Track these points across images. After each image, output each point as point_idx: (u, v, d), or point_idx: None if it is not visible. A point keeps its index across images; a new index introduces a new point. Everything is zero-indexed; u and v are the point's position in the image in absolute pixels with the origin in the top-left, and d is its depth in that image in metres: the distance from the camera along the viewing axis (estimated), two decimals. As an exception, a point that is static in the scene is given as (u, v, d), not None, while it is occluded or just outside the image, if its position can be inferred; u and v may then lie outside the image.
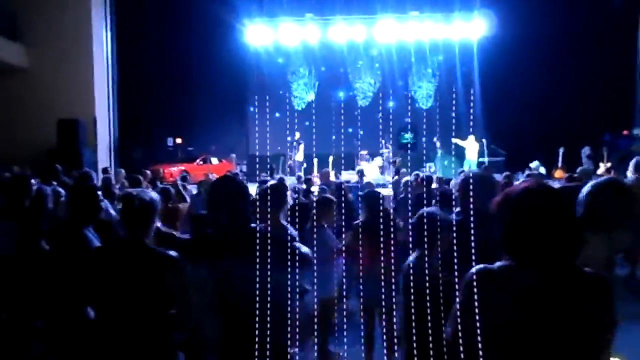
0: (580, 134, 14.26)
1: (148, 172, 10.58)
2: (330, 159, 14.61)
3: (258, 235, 2.15)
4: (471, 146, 13.89)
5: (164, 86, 18.16)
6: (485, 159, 13.40)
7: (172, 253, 2.35)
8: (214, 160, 18.01)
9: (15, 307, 3.65)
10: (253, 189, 4.58)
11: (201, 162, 17.37)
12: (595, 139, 14.14)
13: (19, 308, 3.62)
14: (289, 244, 2.33)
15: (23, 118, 12.65)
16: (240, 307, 2.13)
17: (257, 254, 2.11)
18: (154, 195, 2.60)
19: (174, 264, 2.32)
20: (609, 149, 13.27)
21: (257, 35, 17.87)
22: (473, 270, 1.61)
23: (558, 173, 10.54)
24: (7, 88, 12.87)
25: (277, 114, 18.56)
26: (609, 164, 10.47)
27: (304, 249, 2.46)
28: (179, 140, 21.00)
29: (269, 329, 2.08)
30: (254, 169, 16.02)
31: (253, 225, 2.32)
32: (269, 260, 2.09)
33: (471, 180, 2.98)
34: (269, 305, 2.06)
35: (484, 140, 13.36)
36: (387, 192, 9.51)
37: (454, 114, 13.47)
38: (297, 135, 15.39)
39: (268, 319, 2.06)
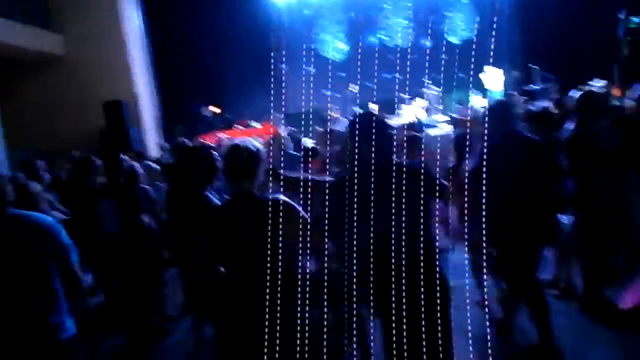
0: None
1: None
2: (375, 107, 14.40)
3: (406, 168, 2.18)
4: (490, 77, 13.40)
5: (195, 58, 18.14)
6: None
7: (281, 196, 2.38)
8: (256, 124, 18.05)
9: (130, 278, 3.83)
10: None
11: (242, 128, 17.43)
12: None
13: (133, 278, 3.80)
14: (433, 176, 2.39)
15: (67, 105, 12.96)
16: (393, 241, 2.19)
17: (408, 186, 2.16)
18: (259, 145, 2.63)
19: (291, 207, 2.36)
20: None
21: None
22: None
23: (615, 91, 10.09)
24: (46, 77, 13.15)
25: (309, 69, 18.31)
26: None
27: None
28: (216, 110, 21.08)
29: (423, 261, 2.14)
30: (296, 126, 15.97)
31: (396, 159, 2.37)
32: (417, 192, 2.14)
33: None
34: (422, 239, 2.11)
35: (532, 66, 12.78)
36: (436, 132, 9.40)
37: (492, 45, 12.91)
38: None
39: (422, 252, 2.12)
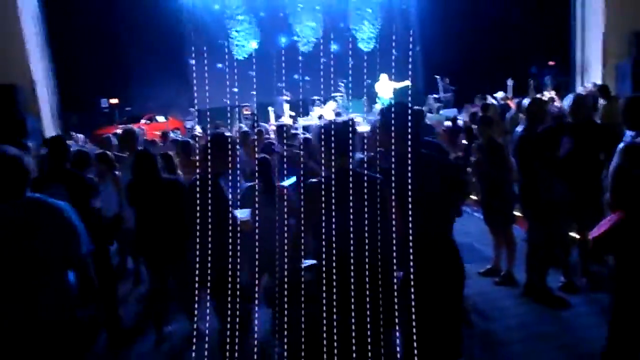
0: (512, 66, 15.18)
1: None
2: (286, 107, 14.60)
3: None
4: (384, 86, 14.33)
5: (94, 44, 17.06)
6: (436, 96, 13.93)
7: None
8: (161, 118, 17.42)
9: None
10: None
11: (148, 122, 16.76)
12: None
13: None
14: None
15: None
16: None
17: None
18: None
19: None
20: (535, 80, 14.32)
21: (190, -18, 17.01)
22: None
23: (511, 103, 11.28)
24: None
25: (219, 65, 18.03)
26: (552, 92, 11.30)
27: None
28: (114, 101, 19.94)
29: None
30: (204, 123, 15.67)
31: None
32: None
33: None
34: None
35: (442, 78, 13.77)
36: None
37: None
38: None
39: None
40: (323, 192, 2.42)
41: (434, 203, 2.51)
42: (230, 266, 2.86)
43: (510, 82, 12.13)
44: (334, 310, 2.37)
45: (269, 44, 18.06)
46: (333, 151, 2.50)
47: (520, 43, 16.69)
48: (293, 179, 4.44)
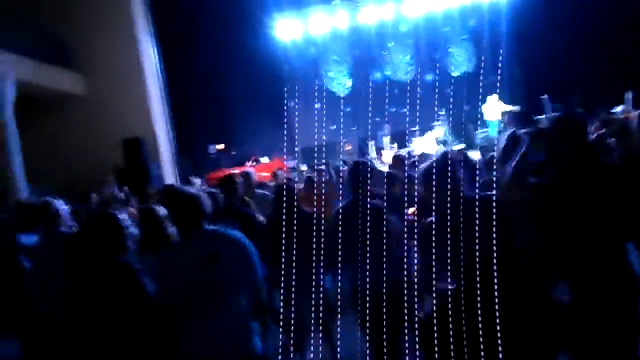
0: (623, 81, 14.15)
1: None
2: (387, 139, 14.69)
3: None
4: (492, 108, 13.82)
5: (201, 95, 18.51)
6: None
7: None
8: (264, 160, 18.26)
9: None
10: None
11: (254, 164, 17.64)
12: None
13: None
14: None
15: (86, 143, 12.97)
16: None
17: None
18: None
19: None
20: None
21: (287, 28, 17.96)
22: None
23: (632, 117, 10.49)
24: (67, 116, 13.24)
25: (317, 105, 18.66)
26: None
27: None
28: (220, 147, 21.29)
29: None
30: (309, 161, 16.15)
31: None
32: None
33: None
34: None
35: (543, 97, 13.23)
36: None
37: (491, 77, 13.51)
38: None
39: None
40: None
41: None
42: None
43: (629, 95, 11.28)
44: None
45: (363, 81, 18.45)
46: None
47: (629, 53, 15.62)
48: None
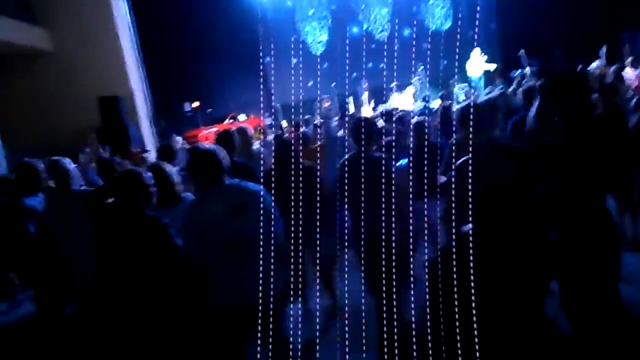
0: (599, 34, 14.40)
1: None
2: (365, 95, 14.73)
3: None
4: (475, 63, 13.98)
5: (174, 51, 18.03)
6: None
7: None
8: (242, 117, 18.13)
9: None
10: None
11: (231, 121, 17.51)
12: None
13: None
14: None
15: (59, 101, 12.65)
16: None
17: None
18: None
19: None
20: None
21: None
22: None
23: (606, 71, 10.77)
24: (36, 72, 12.82)
25: (294, 60, 18.43)
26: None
27: None
28: (195, 104, 20.93)
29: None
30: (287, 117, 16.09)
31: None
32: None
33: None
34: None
35: (521, 52, 13.38)
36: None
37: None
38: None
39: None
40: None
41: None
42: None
43: (603, 50, 11.51)
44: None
45: (341, 36, 18.23)
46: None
47: (605, 9, 15.85)
48: (405, 161, 4.61)
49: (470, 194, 1.98)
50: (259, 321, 2.45)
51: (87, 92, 12.38)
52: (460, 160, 2.27)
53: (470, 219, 2.00)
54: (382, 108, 14.21)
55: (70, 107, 12.53)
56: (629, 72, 8.93)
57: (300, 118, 11.57)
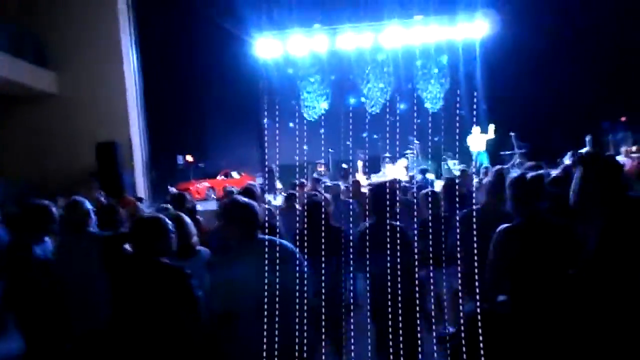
0: (582, 123, 15.15)
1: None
2: (360, 164, 15.06)
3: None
4: (476, 139, 14.58)
5: (174, 104, 18.33)
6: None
7: None
8: (235, 175, 18.25)
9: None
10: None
11: (224, 177, 17.60)
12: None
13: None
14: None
15: (59, 143, 12.72)
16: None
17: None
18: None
19: None
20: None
21: (267, 47, 18.28)
22: None
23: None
24: (40, 114, 12.95)
25: (291, 124, 18.89)
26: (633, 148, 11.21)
27: None
28: (189, 158, 21.03)
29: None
30: (273, 179, 16.21)
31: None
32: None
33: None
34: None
35: (512, 133, 13.95)
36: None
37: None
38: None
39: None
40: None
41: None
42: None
43: (588, 138, 12.12)
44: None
45: (339, 104, 18.83)
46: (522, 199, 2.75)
47: (589, 99, 16.70)
48: None
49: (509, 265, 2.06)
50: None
51: (85, 136, 12.50)
52: (503, 229, 2.37)
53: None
54: (375, 178, 14.58)
55: (67, 149, 12.58)
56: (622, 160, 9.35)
57: (297, 180, 11.75)
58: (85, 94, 12.87)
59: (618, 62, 16.62)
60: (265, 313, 2.50)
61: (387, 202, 3.47)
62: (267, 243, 2.64)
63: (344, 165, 15.04)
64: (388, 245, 3.02)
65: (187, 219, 3.38)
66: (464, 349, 2.53)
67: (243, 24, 17.40)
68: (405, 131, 16.99)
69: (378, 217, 3.62)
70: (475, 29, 17.93)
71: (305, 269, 2.66)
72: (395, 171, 15.29)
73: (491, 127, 14.51)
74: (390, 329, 2.97)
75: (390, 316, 2.97)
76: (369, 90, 19.13)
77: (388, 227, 3.29)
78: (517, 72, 17.19)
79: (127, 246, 3.33)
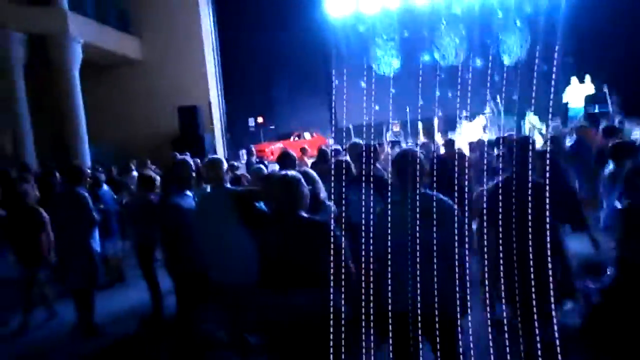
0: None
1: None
2: (436, 121, 14.71)
3: None
4: (575, 92, 13.69)
5: (246, 67, 18.45)
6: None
7: None
8: (307, 135, 18.36)
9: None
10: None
11: (296, 138, 17.76)
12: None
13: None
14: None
15: (143, 107, 13.20)
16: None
17: None
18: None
19: None
20: None
21: (337, 4, 17.81)
22: None
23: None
24: (124, 79, 13.44)
25: (363, 84, 18.57)
26: None
27: None
28: (259, 120, 21.31)
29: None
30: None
31: None
32: None
33: None
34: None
35: (605, 87, 13.04)
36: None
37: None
38: None
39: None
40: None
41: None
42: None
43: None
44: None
45: (412, 62, 18.29)
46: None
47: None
48: None
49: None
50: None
51: (167, 101, 12.90)
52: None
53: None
54: (452, 136, 14.16)
55: (151, 114, 13.05)
56: None
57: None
58: (167, 60, 13.23)
59: None
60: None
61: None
62: (428, 196, 2.62)
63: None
64: (529, 204, 2.89)
65: (316, 175, 3.43)
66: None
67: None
68: (482, 88, 16.29)
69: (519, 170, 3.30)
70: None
71: (465, 227, 2.63)
72: (472, 130, 14.81)
73: (587, 78, 13.60)
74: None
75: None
76: (443, 47, 18.42)
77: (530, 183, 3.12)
78: (605, 21, 15.96)
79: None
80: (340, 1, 17.85)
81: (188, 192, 4.08)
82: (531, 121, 14.60)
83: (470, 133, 14.90)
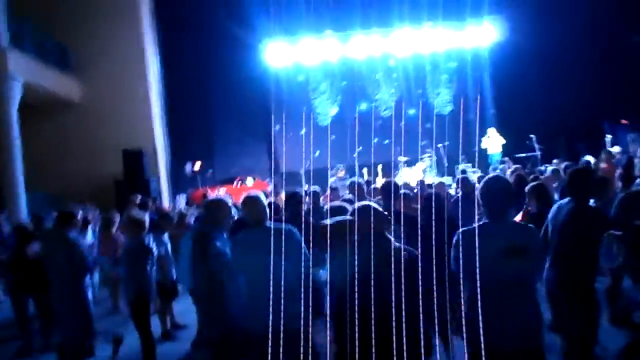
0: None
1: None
2: (380, 167, 15.20)
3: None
4: (492, 141, 14.91)
5: (189, 112, 18.23)
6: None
7: None
8: (249, 181, 18.24)
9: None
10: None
11: (240, 183, 17.60)
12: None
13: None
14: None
15: (83, 150, 12.62)
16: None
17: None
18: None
19: None
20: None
21: (277, 54, 18.35)
22: None
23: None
24: (62, 121, 12.85)
25: (303, 131, 18.91)
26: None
27: None
28: (196, 166, 20.90)
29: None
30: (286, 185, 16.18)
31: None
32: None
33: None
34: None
35: (531, 135, 14.23)
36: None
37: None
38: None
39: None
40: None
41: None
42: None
43: (608, 138, 12.46)
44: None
45: (349, 110, 18.96)
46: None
47: (595, 99, 16.93)
48: None
49: None
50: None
51: (111, 144, 12.42)
52: None
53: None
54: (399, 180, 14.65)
55: (93, 157, 12.48)
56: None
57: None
58: (110, 101, 12.82)
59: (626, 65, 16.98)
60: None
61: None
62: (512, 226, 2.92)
63: (364, 170, 15.14)
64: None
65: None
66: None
67: (254, 31, 17.48)
68: (416, 136, 17.16)
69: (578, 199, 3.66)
70: (484, 36, 18.31)
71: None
72: (412, 174, 15.45)
73: (492, 130, 14.93)
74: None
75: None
76: (379, 97, 19.34)
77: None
78: (525, 77, 17.55)
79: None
80: (279, 50, 18.35)
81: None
82: (464, 168, 15.54)
83: (410, 177, 15.51)
